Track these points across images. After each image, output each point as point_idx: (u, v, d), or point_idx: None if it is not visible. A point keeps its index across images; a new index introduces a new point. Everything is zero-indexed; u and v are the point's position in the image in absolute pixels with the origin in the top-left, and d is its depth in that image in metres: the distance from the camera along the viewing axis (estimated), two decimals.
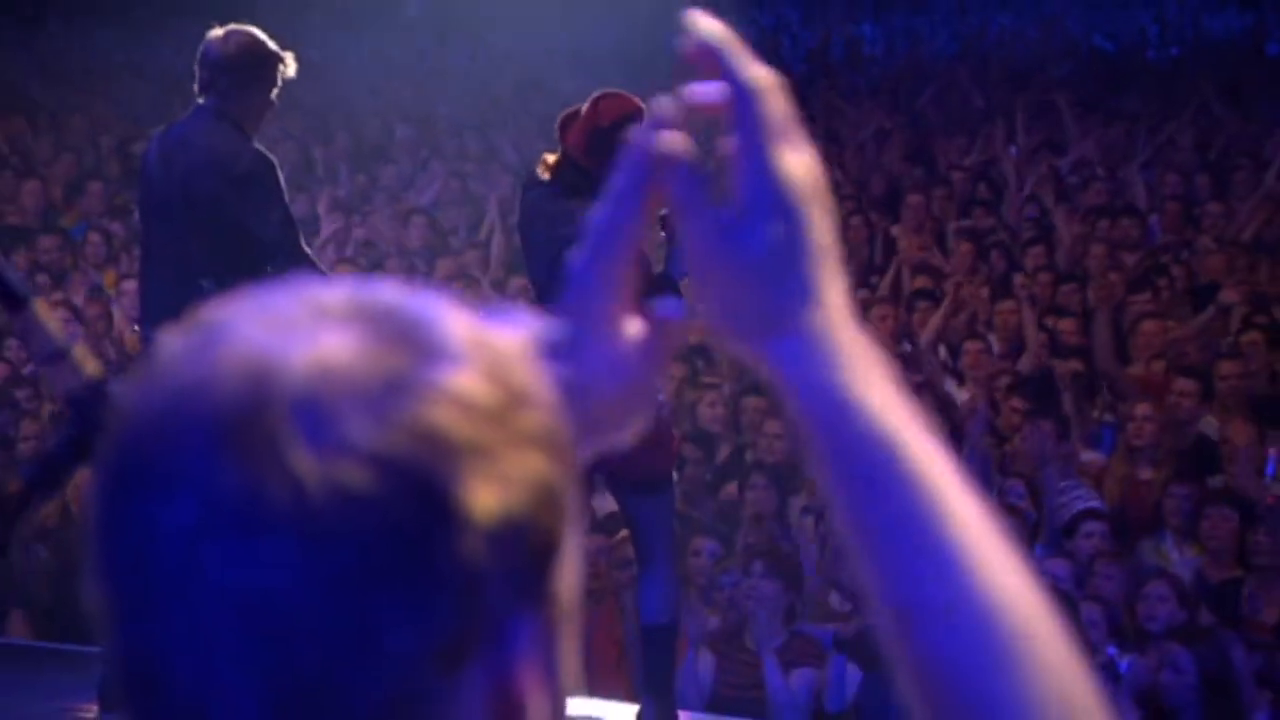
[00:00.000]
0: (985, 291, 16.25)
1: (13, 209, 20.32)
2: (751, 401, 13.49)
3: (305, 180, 20.88)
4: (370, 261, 17.75)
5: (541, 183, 8.54)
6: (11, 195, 20.64)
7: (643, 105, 8.37)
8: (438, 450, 1.17)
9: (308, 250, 8.69)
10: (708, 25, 1.62)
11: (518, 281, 17.17)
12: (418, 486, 1.16)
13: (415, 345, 1.22)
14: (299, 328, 1.20)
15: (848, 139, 23.98)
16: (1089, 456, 13.19)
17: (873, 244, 18.34)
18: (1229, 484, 12.09)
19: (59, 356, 2.97)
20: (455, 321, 1.28)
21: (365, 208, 20.19)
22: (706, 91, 1.58)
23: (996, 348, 14.87)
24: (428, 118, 25.68)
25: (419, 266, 18.05)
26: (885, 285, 17.02)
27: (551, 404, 1.30)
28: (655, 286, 7.97)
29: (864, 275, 17.05)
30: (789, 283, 1.52)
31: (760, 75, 1.56)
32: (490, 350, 1.28)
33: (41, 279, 17.22)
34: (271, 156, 8.71)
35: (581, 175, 8.23)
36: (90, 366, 3.10)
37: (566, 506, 1.24)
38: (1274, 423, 12.70)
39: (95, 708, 8.48)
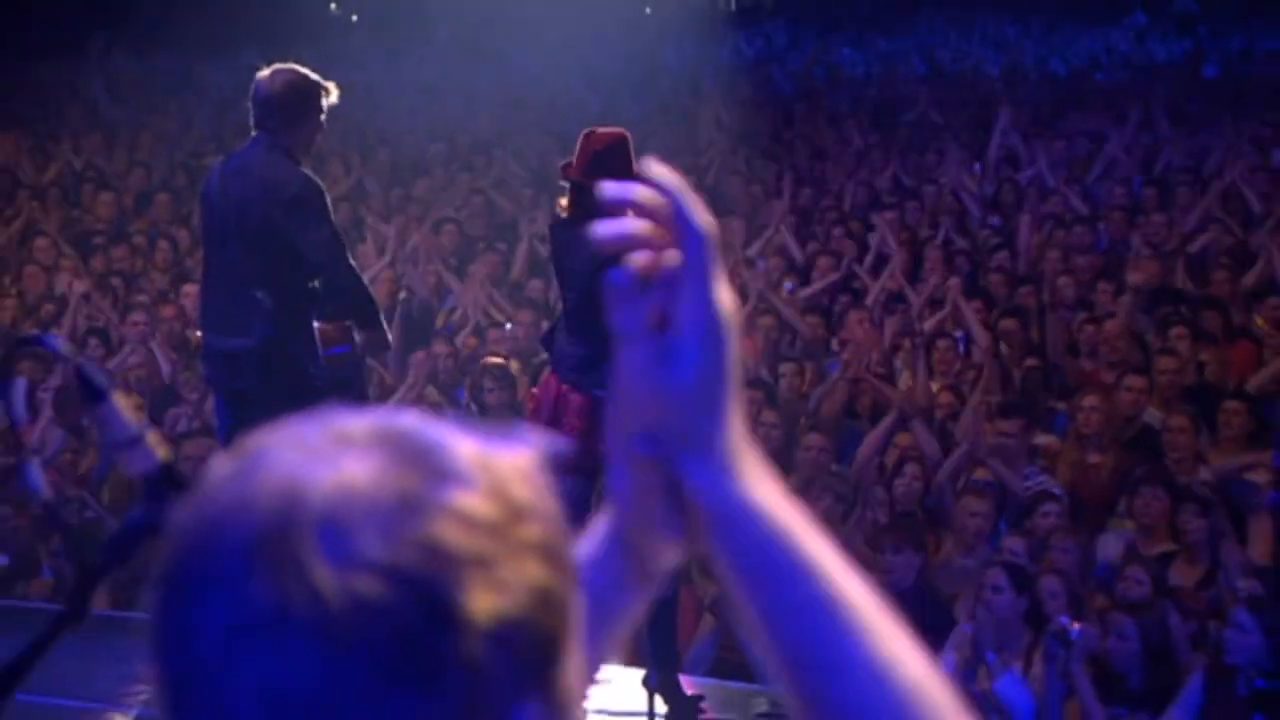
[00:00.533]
0: (957, 293, 15.77)
1: (91, 218, 20.31)
2: (749, 394, 12.85)
3: (349, 192, 20.91)
4: (406, 265, 17.72)
5: (562, 220, 8.57)
6: (89, 206, 20.63)
7: (626, 134, 8.70)
8: (442, 562, 1.26)
9: (352, 264, 8.74)
10: (663, 171, 1.69)
11: (536, 283, 17.39)
12: (423, 595, 1.25)
13: (427, 468, 1.31)
14: (326, 454, 1.30)
15: (830, 154, 23.86)
16: (1045, 440, 13.12)
17: (852, 249, 18.17)
18: (1166, 468, 12.06)
19: (134, 442, 2.99)
20: (464, 446, 1.38)
21: (401, 217, 20.06)
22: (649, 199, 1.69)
23: (964, 346, 14.74)
24: (456, 135, 25.40)
25: (449, 269, 17.91)
26: (870, 292, 16.70)
27: (552, 516, 1.39)
28: None
29: (845, 282, 16.97)
30: (712, 406, 1.65)
31: (707, 220, 1.66)
32: (494, 471, 1.36)
33: (115, 281, 17.35)
34: (319, 181, 8.75)
35: (588, 195, 7.98)
36: (162, 451, 3.14)
37: (566, 607, 1.34)
38: (1204, 412, 12.74)
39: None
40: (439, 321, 15.71)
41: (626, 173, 8.00)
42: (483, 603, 1.28)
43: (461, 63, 33.89)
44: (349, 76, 31.01)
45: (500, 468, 1.39)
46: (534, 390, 9.12)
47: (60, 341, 3.76)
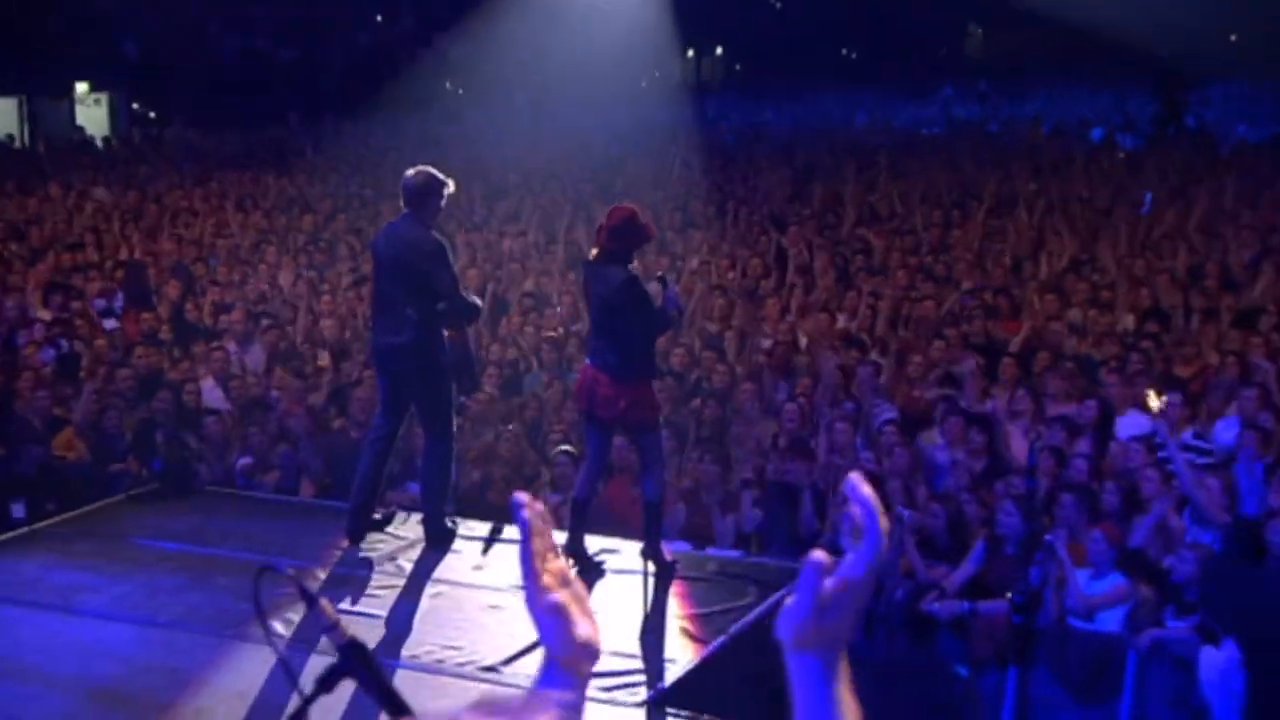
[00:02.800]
0: (832, 281, 16.08)
1: (298, 229, 20.15)
2: (707, 355, 13.13)
3: (452, 210, 20.89)
4: (491, 265, 17.38)
5: (591, 262, 8.36)
6: (294, 224, 20.47)
7: (635, 210, 8.45)
8: None
9: (463, 293, 8.61)
10: (868, 490, 1.75)
11: (573, 276, 16.92)
12: None
13: None
14: None
15: (759, 186, 23.52)
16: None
17: (771, 252, 17.95)
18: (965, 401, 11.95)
19: (331, 628, 2.69)
20: None
21: (486, 229, 19.93)
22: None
23: (842, 319, 14.45)
24: (525, 170, 25.09)
25: (516, 267, 17.40)
26: (785, 279, 16.45)
27: None
28: (659, 317, 8.18)
29: (766, 271, 16.81)
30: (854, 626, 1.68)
31: (886, 527, 1.71)
32: None
33: (311, 275, 16.98)
34: (444, 241, 8.68)
35: (610, 252, 8.07)
36: (348, 632, 2.79)
37: None
38: (991, 361, 12.68)
39: (346, 540, 8.58)
40: (519, 307, 15.14)
41: (635, 234, 8.20)
42: None
43: (530, 119, 33.88)
44: (454, 129, 31.31)
45: None
46: (579, 376, 8.72)
47: (289, 569, 3.77)
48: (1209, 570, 8.19)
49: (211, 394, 12.23)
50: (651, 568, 8.10)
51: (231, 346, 13.48)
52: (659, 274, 9.25)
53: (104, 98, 35.06)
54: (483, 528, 8.91)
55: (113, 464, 10.94)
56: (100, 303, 14.84)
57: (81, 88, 34.74)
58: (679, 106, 36.80)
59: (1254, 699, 7.67)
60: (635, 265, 8.15)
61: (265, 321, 14.28)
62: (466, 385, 9.31)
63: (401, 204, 8.59)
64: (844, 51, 57.36)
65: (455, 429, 8.81)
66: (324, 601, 2.98)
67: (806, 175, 24.27)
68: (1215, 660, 7.73)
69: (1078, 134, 31.13)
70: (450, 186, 8.68)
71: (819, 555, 1.73)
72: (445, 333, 8.51)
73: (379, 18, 46.56)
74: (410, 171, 8.63)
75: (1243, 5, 41.95)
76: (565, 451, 10.03)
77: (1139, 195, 20.46)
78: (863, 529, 1.75)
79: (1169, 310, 14.06)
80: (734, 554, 9.15)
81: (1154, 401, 9.64)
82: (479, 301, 9.39)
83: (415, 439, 9.68)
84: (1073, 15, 40.70)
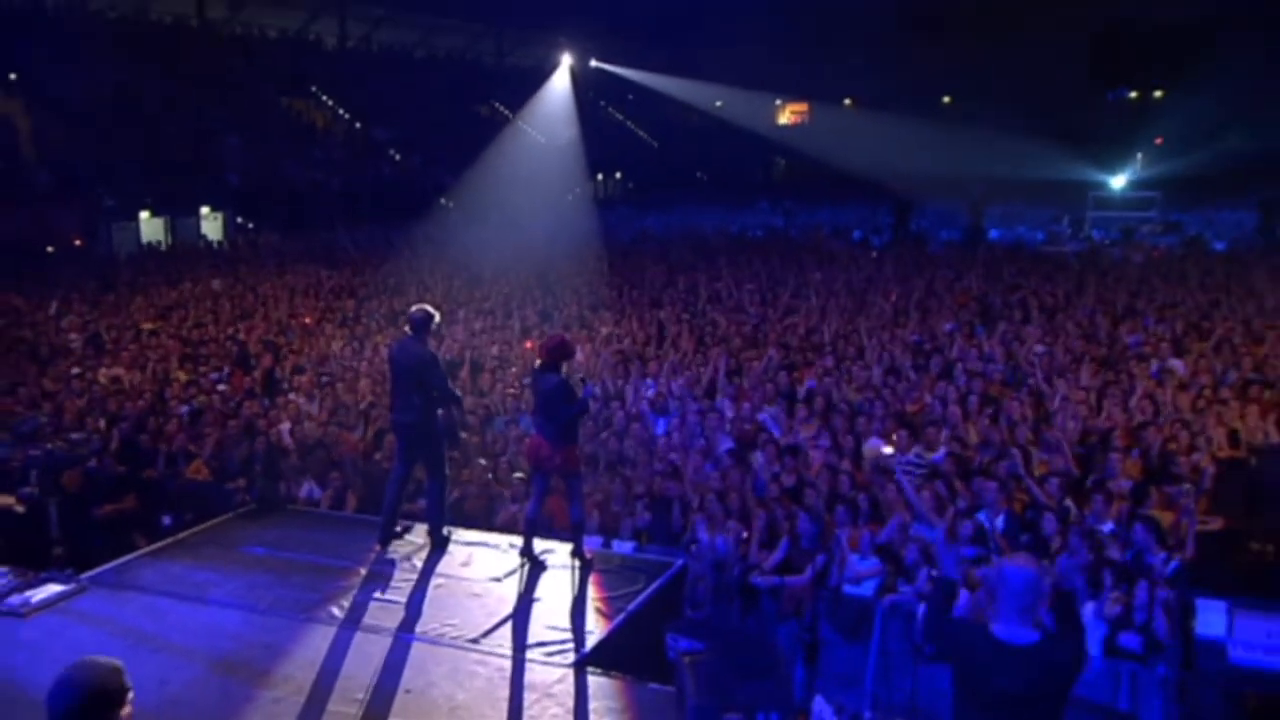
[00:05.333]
0: (693, 344, 15.63)
1: (344, 309, 19.61)
2: (613, 404, 12.51)
3: (449, 294, 20.75)
4: (467, 335, 16.81)
5: (536, 368, 7.98)
6: (341, 305, 20.09)
7: (565, 337, 8.17)
8: None
9: (450, 385, 8.40)
10: None
11: (526, 342, 16.48)
12: None
13: None
14: None
15: (644, 278, 23.02)
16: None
17: (653, 324, 17.44)
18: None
19: None
20: None
21: (469, 306, 19.50)
22: None
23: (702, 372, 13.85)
24: (498, 264, 24.36)
25: (485, 337, 16.97)
26: (662, 345, 16.03)
27: None
28: (579, 405, 7.86)
29: (649, 340, 16.22)
30: None
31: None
32: None
33: (354, 344, 16.52)
34: (436, 354, 8.41)
35: (547, 364, 7.76)
36: None
37: None
38: (793, 404, 12.28)
39: (378, 545, 8.36)
40: (487, 365, 14.66)
41: (564, 352, 7.88)
42: None
43: (502, 227, 33.44)
44: (446, 235, 31.00)
45: None
46: (528, 441, 8.33)
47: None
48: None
49: (288, 435, 11.93)
50: (577, 563, 7.99)
51: (301, 400, 13.20)
52: (580, 376, 9.11)
53: (219, 215, 34.48)
54: (469, 535, 8.72)
55: (227, 483, 10.70)
56: (215, 375, 14.44)
57: (204, 209, 34.16)
58: (593, 214, 36.66)
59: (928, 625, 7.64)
60: (565, 369, 7.89)
61: (324, 379, 14.06)
62: (453, 443, 9.20)
63: (407, 328, 8.30)
64: (698, 174, 57.67)
65: (447, 469, 8.65)
66: None
67: (674, 269, 23.99)
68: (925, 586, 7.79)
69: (845, 235, 31.37)
70: (438, 317, 8.45)
71: None
72: (439, 411, 8.35)
73: (396, 156, 46.02)
74: (414, 308, 8.37)
75: (941, 156, 42.70)
76: (519, 477, 9.85)
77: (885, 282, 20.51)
78: None
79: (902, 366, 14.12)
80: (630, 547, 8.90)
81: (888, 446, 9.60)
82: (459, 393, 9.10)
83: (421, 474, 9.44)
84: (842, 158, 41.26)
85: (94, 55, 32.04)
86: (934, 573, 7.73)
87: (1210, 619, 5.22)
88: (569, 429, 7.84)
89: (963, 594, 7.59)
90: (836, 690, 7.90)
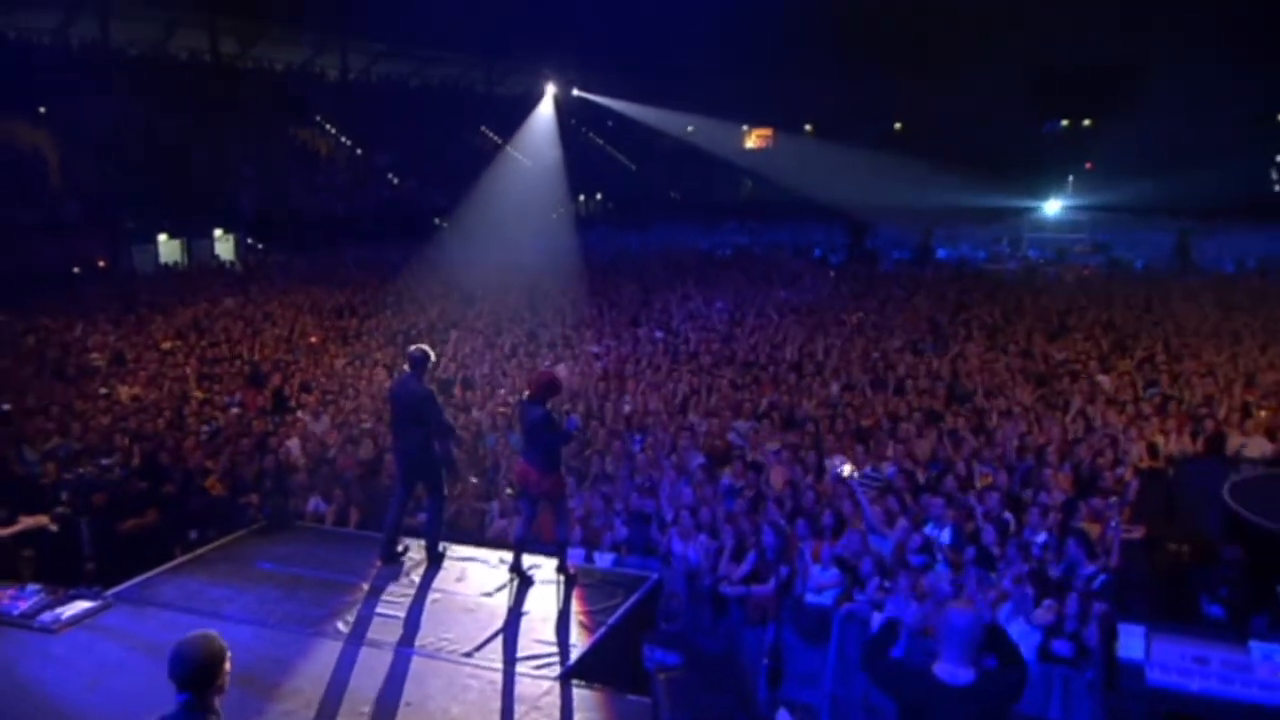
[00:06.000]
0: (668, 361, 15.61)
1: (345, 327, 19.32)
2: (593, 424, 12.18)
3: (442, 315, 20.51)
4: (463, 354, 16.80)
5: (524, 400, 7.90)
6: (344, 324, 19.86)
7: (553, 373, 8.02)
8: None
9: (446, 418, 8.29)
10: None
11: (514, 361, 16.30)
12: None
13: None
14: None
15: (621, 297, 22.80)
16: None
17: (631, 342, 17.38)
18: None
19: None
20: None
21: (462, 325, 19.16)
22: None
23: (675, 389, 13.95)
24: (488, 287, 23.92)
25: (476, 357, 16.84)
26: (639, 364, 15.76)
27: None
28: (562, 436, 7.78)
29: (625, 359, 15.95)
30: None
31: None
32: None
33: (355, 363, 16.30)
34: (434, 390, 8.26)
35: (535, 398, 7.67)
36: None
37: None
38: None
39: (380, 561, 8.25)
40: (479, 384, 14.53)
41: (551, 389, 7.73)
42: None
43: (492, 246, 33.08)
44: (440, 254, 30.75)
45: None
46: (517, 466, 8.16)
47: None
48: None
49: (297, 451, 11.82)
50: (562, 579, 7.94)
51: (308, 418, 13.04)
52: (565, 408, 9.06)
53: (231, 236, 34.22)
54: (462, 550, 8.63)
55: (240, 498, 10.56)
56: (229, 399, 14.26)
57: (218, 231, 33.91)
58: (574, 231, 36.39)
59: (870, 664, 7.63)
60: (550, 404, 7.78)
61: (329, 398, 13.92)
62: (450, 471, 9.09)
63: (406, 366, 8.18)
64: (672, 195, 57.58)
65: (445, 493, 8.55)
66: None
67: (650, 288, 23.77)
68: (880, 619, 7.72)
69: (806, 253, 31.35)
70: (433, 356, 8.35)
71: None
72: (435, 443, 8.26)
73: (394, 180, 45.79)
74: (413, 348, 8.27)
75: (892, 181, 42.83)
76: (509, 493, 9.81)
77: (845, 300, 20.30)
78: None
79: (857, 382, 14.13)
80: (611, 559, 8.80)
81: (848, 465, 9.55)
82: (454, 424, 8.97)
83: (421, 493, 9.34)
84: (802, 181, 41.30)
85: (116, 89, 31.77)
86: (886, 612, 7.67)
87: (1131, 642, 5.29)
88: (553, 456, 7.79)
89: (913, 605, 7.65)
90: (799, 689, 8.00)
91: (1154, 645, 5.24)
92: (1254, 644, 5.34)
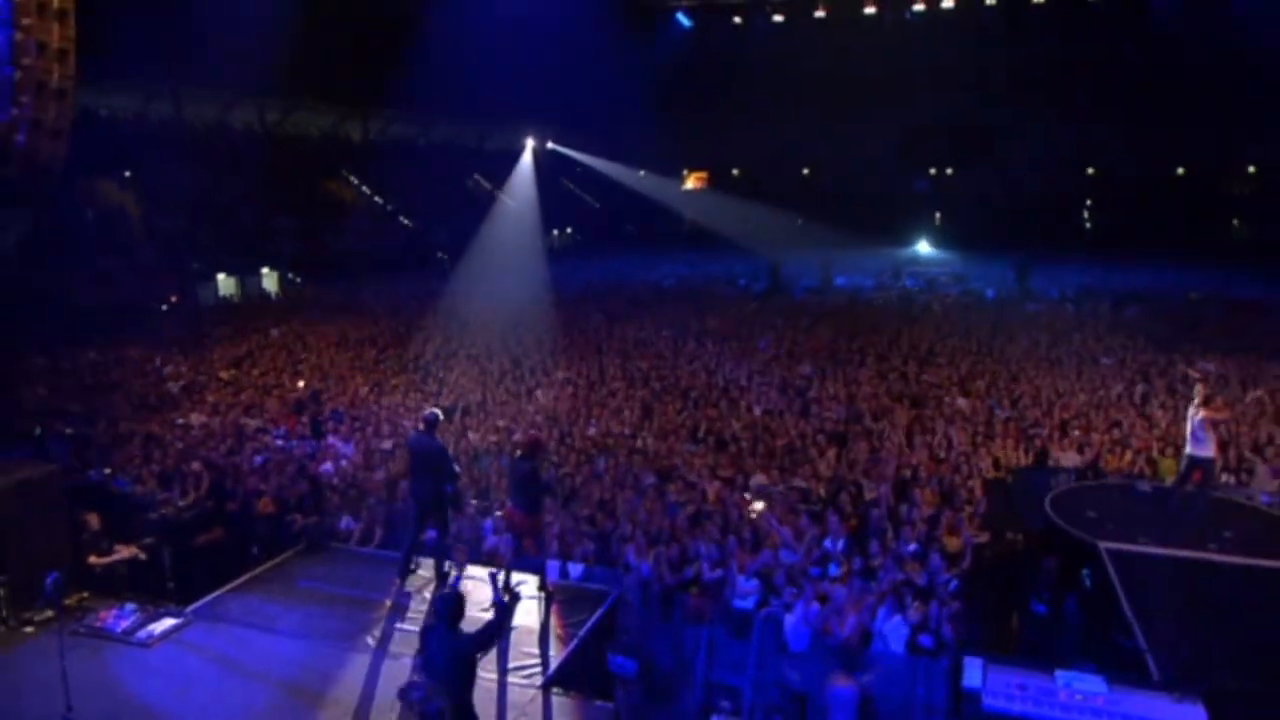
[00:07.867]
0: (625, 386, 15.00)
1: (367, 357, 18.81)
2: (561, 448, 11.56)
3: (440, 349, 19.89)
4: (462, 385, 16.34)
5: (516, 458, 7.76)
6: (365, 354, 19.22)
7: (539, 437, 7.92)
8: None
9: (454, 466, 8.10)
10: None
11: (504, 387, 15.70)
12: None
13: None
14: None
15: (588, 325, 21.49)
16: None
17: (596, 368, 16.51)
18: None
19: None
20: None
21: (462, 354, 18.48)
22: None
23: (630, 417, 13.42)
24: (479, 315, 22.82)
25: (471, 386, 16.25)
26: (607, 383, 15.10)
27: None
28: (546, 488, 7.60)
29: (593, 384, 15.02)
30: None
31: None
32: None
33: (375, 390, 15.67)
34: (446, 445, 8.04)
35: (525, 456, 7.60)
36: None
37: None
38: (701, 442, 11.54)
39: (398, 580, 8.12)
40: (473, 410, 13.93)
41: (539, 451, 7.70)
42: None
43: (484, 276, 31.71)
44: (442, 285, 29.81)
45: None
46: (506, 509, 8.00)
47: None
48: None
49: (331, 472, 11.50)
50: (542, 595, 7.86)
51: (339, 443, 12.65)
52: (548, 461, 8.90)
53: (275, 273, 33.76)
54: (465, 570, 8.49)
55: (287, 515, 10.29)
56: (276, 431, 13.80)
57: (265, 269, 33.40)
58: (547, 267, 35.38)
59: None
60: (537, 460, 7.67)
61: (356, 424, 13.61)
62: (456, 508, 8.96)
63: (421, 426, 7.99)
64: (628, 228, 57.00)
65: (451, 525, 8.47)
66: None
67: (612, 318, 22.63)
68: (790, 621, 7.80)
69: (734, 283, 31.08)
70: (443, 416, 8.26)
71: None
72: (449, 489, 8.12)
73: (408, 222, 45.19)
74: (426, 411, 8.11)
75: (799, 219, 42.97)
76: (499, 515, 9.51)
77: (762, 336, 19.13)
78: None
79: (774, 406, 13.69)
80: (581, 570, 8.61)
81: (760, 502, 9.48)
82: (459, 470, 8.73)
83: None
84: (729, 219, 41.12)
85: (185, 156, 31.45)
86: (795, 614, 7.60)
87: (972, 673, 5.43)
88: (537, 503, 7.76)
89: (814, 607, 7.75)
90: (728, 673, 8.04)
91: (989, 675, 5.37)
92: (1059, 673, 5.43)
